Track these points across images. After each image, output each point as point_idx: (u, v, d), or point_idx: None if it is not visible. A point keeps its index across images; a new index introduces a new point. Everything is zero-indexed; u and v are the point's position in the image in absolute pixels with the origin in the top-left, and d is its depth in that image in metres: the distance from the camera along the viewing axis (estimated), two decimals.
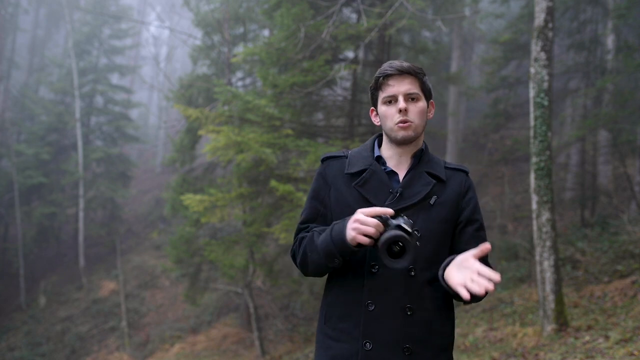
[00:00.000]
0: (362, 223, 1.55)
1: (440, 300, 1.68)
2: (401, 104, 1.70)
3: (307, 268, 1.76)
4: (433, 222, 1.69)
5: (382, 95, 1.75)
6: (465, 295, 1.47)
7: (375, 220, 1.55)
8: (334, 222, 1.69)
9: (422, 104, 1.75)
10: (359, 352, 1.64)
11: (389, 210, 1.56)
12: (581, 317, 6.13)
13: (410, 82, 1.72)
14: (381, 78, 1.74)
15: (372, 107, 1.84)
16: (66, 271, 17.89)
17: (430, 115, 1.82)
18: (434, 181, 1.73)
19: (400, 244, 1.49)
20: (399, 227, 1.52)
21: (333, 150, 7.96)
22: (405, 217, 1.57)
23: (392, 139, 1.76)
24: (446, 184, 1.76)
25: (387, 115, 1.74)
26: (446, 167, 1.80)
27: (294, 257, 1.83)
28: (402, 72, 1.71)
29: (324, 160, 1.87)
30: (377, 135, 1.88)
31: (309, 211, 1.84)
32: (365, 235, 1.55)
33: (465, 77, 14.19)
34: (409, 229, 1.52)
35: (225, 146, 8.04)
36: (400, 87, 1.72)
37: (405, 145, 1.76)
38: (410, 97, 1.72)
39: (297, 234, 1.85)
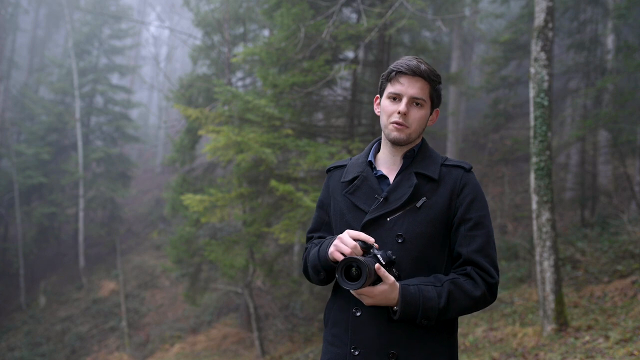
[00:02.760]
0: (342, 242, 1.60)
1: None
2: (402, 106, 1.67)
3: (309, 279, 1.86)
4: (420, 225, 1.65)
5: (389, 89, 1.71)
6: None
7: (353, 242, 1.59)
8: (327, 237, 1.76)
9: (425, 111, 1.71)
10: (347, 357, 1.66)
11: (371, 239, 1.59)
12: (581, 317, 6.13)
13: (420, 87, 1.68)
14: (393, 72, 1.69)
15: (377, 95, 1.81)
16: (66, 271, 17.89)
17: (432, 122, 1.77)
18: (416, 182, 1.68)
19: (358, 267, 1.52)
20: (375, 257, 1.57)
21: (333, 151, 7.96)
22: (389, 253, 1.60)
23: (385, 135, 1.76)
24: (439, 183, 1.70)
25: (386, 111, 1.72)
26: (444, 165, 1.74)
27: (304, 260, 1.93)
28: (415, 74, 1.67)
29: (328, 170, 1.93)
30: (378, 138, 1.87)
31: (315, 220, 1.92)
32: (343, 254, 1.59)
33: (465, 77, 14.19)
34: (383, 262, 1.56)
35: (225, 146, 8.04)
36: (408, 88, 1.67)
37: (397, 146, 1.74)
38: (415, 102, 1.69)
39: (306, 241, 1.94)
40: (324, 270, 1.72)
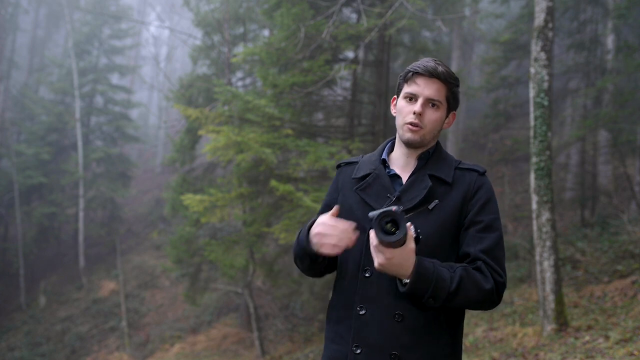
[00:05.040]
0: (325, 227, 1.59)
1: (436, 308, 1.61)
2: (418, 107, 1.67)
3: (299, 267, 1.83)
4: (431, 227, 1.64)
5: (405, 90, 1.71)
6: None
7: (341, 227, 1.57)
8: (306, 223, 1.74)
9: (440, 113, 1.70)
10: (349, 356, 1.65)
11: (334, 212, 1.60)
12: (581, 317, 6.13)
13: (437, 89, 1.68)
14: (411, 73, 1.69)
15: (394, 95, 1.81)
16: (66, 271, 17.89)
17: (447, 125, 1.77)
18: (430, 183, 1.67)
19: (396, 222, 1.44)
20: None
21: (333, 151, 7.96)
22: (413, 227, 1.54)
23: (399, 135, 1.75)
24: (452, 187, 1.70)
25: (402, 111, 1.72)
26: (458, 168, 1.74)
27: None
28: (432, 76, 1.67)
29: (338, 166, 1.92)
30: (392, 138, 1.87)
31: (317, 216, 1.89)
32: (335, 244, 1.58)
33: (465, 77, 14.20)
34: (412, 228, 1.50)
35: (225, 146, 8.04)
36: (425, 89, 1.67)
37: (411, 147, 1.74)
38: (430, 103, 1.68)
39: None
40: (309, 259, 1.70)
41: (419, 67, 1.68)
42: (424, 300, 1.54)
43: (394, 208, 1.44)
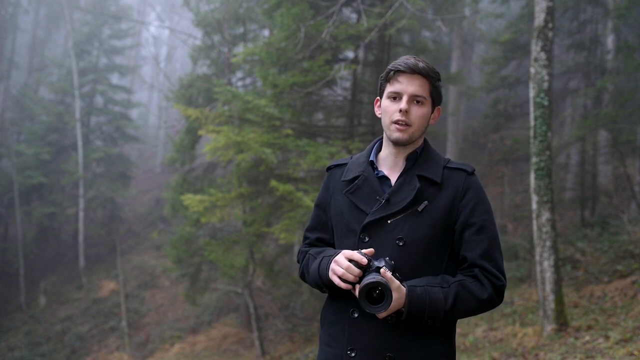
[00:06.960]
0: (337, 264, 1.61)
1: None
2: (403, 104, 1.65)
3: (306, 282, 1.86)
4: (421, 229, 1.64)
5: (388, 89, 1.70)
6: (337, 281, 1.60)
7: (346, 263, 1.57)
8: (323, 255, 1.73)
9: (426, 109, 1.69)
10: (343, 358, 1.66)
11: (364, 260, 1.57)
12: (581, 317, 6.14)
13: (420, 84, 1.66)
14: (392, 72, 1.68)
15: (377, 97, 1.80)
16: (66, 271, 17.89)
17: (433, 121, 1.76)
18: (419, 186, 1.66)
19: (379, 289, 1.52)
20: (377, 269, 1.55)
21: (333, 151, 7.96)
22: (387, 259, 1.59)
23: (387, 135, 1.74)
24: (442, 187, 1.68)
25: (387, 111, 1.70)
26: (446, 167, 1.72)
27: (299, 263, 1.91)
28: (414, 72, 1.66)
29: (328, 169, 1.91)
30: (380, 137, 1.86)
31: (312, 220, 1.90)
32: (344, 280, 1.59)
33: (465, 77, 14.18)
34: (389, 272, 1.55)
35: (225, 146, 8.04)
36: (408, 86, 1.66)
37: (399, 146, 1.72)
38: (415, 100, 1.67)
39: (303, 240, 1.92)
40: (326, 287, 1.72)
41: (399, 65, 1.67)
42: (424, 322, 1.59)
43: (379, 278, 1.50)
